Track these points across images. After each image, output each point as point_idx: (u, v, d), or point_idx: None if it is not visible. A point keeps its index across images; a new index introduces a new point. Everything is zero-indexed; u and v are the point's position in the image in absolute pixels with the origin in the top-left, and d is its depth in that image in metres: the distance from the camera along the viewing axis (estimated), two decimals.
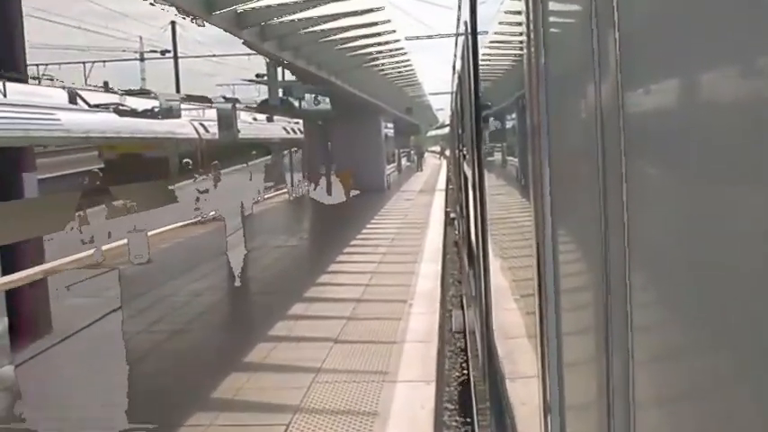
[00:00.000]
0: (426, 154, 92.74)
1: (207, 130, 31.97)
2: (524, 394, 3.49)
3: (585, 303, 1.99)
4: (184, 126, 28.86)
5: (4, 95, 17.45)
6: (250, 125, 38.64)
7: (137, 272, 14.28)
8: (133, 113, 22.80)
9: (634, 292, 1.47)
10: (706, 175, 1.15)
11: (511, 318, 4.58)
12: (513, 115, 4.07)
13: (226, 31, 14.59)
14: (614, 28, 1.52)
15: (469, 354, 12.04)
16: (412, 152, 74.19)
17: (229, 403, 7.93)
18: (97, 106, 23.56)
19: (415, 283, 13.70)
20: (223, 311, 12.51)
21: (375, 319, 11.17)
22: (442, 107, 59.56)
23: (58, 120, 20.46)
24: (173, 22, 36.05)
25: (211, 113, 28.63)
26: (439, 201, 30.70)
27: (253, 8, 14.36)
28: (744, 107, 0.99)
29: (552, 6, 2.52)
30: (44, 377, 9.05)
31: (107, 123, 21.39)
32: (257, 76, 31.62)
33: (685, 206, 1.26)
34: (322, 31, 17.57)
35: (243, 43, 15.79)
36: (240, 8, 14.05)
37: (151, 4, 12.81)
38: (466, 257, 13.95)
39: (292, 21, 15.97)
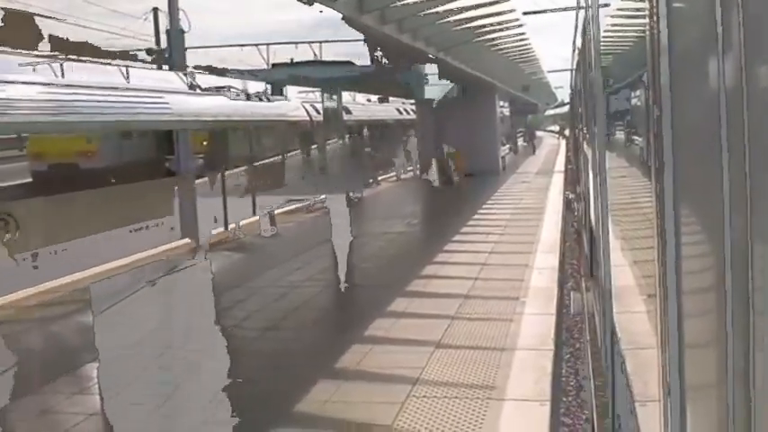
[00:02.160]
0: (544, 134, 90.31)
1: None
2: (645, 376, 3.57)
3: (707, 286, 1.95)
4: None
5: None
6: (363, 107, 38.36)
7: None
8: None
9: (757, 276, 1.42)
10: None
11: (632, 300, 4.66)
12: (636, 93, 4.13)
13: None
14: (739, 3, 1.46)
15: (587, 338, 11.01)
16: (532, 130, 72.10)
17: (312, 421, 7.07)
18: None
19: (528, 277, 12.48)
20: (318, 308, 11.72)
21: (483, 319, 10.09)
22: (561, 85, 57.37)
23: None
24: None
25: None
26: (557, 183, 29.07)
27: None
28: None
29: None
30: None
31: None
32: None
33: None
34: (429, 2, 16.58)
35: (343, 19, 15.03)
36: None
37: None
38: (585, 239, 13.20)
39: None
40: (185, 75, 30.08)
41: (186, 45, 27.45)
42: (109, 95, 17.07)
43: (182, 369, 8.60)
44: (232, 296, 11.67)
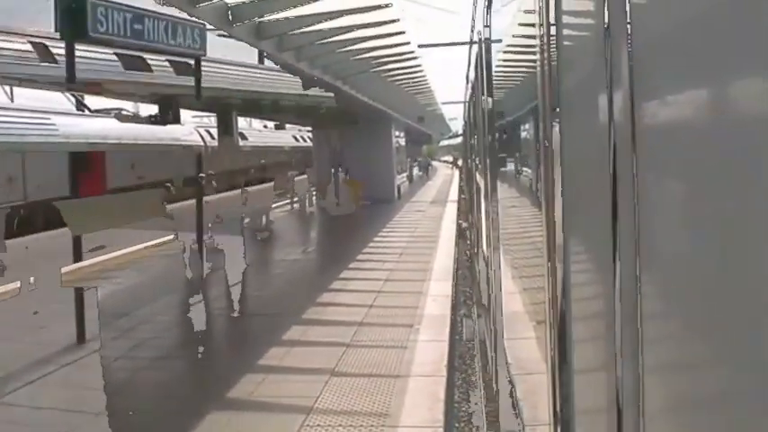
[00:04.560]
0: (438, 164, 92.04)
1: None
2: (535, 402, 3.63)
3: (597, 313, 1.98)
4: None
5: None
6: (259, 133, 37.97)
7: None
8: None
9: (645, 302, 1.48)
10: (720, 187, 1.12)
11: (522, 326, 4.72)
12: (527, 126, 4.17)
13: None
14: (627, 41, 1.54)
15: (479, 364, 11.18)
16: (429, 161, 73.43)
17: None
18: None
19: (423, 304, 12.62)
20: (211, 337, 11.44)
21: (378, 347, 10.10)
22: (455, 117, 58.74)
23: None
24: None
25: None
26: (450, 212, 29.65)
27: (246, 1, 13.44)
28: (755, 119, 0.98)
29: (566, 18, 2.48)
30: None
31: None
32: None
33: (693, 213, 1.28)
34: (328, 31, 16.66)
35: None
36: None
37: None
38: (477, 267, 13.45)
39: (293, 18, 15.05)
40: (73, 95, 28.94)
41: None
42: None
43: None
44: (118, 325, 11.24)
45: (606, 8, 1.71)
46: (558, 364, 2.57)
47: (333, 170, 32.51)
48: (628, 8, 1.54)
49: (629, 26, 1.55)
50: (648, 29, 1.50)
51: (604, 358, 1.79)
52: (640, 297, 1.48)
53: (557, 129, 2.55)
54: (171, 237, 16.63)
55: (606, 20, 1.72)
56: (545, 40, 2.68)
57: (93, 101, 28.84)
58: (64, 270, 10.78)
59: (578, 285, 2.43)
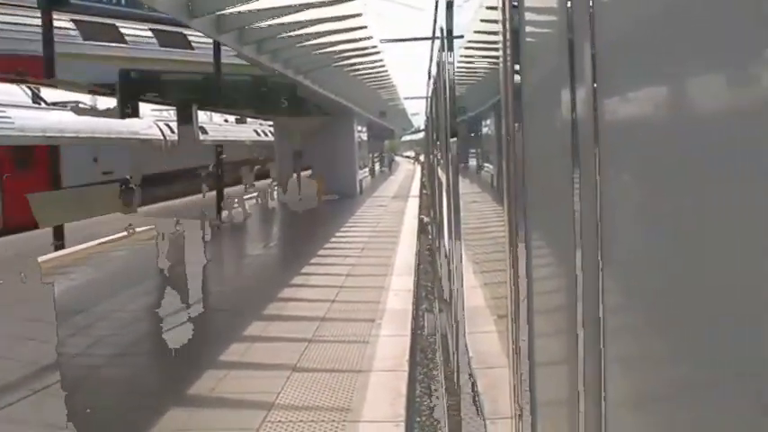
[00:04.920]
0: (400, 159, 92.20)
1: None
2: (495, 396, 3.69)
3: (558, 307, 2.01)
4: None
5: None
6: (220, 127, 37.60)
7: None
8: None
9: (606, 296, 1.49)
10: (681, 183, 1.14)
11: (483, 321, 4.75)
12: (489, 121, 4.21)
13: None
14: (590, 38, 1.54)
15: (440, 359, 11.25)
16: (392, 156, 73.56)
17: None
18: None
19: (385, 299, 12.63)
20: (174, 332, 11.32)
21: (339, 342, 10.09)
22: (417, 112, 58.83)
23: None
24: None
25: None
26: (412, 207, 29.73)
27: None
28: (716, 116, 1.00)
29: (528, 15, 2.49)
30: None
31: None
32: None
33: (654, 209, 1.29)
34: (289, 24, 16.56)
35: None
36: None
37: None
38: (439, 262, 13.54)
39: (254, 11, 14.92)
40: (29, 88, 28.32)
41: None
42: None
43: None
44: (74, 322, 11.07)
45: (569, 4, 1.72)
46: (519, 357, 2.59)
47: (294, 164, 32.40)
48: (591, 4, 1.55)
49: (591, 23, 1.56)
50: (611, 26, 1.51)
51: (565, 352, 1.80)
52: (602, 291, 1.50)
53: (519, 124, 2.57)
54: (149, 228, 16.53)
55: (569, 16, 1.72)
56: (507, 36, 2.69)
57: (49, 93, 28.22)
58: (42, 259, 10.58)
59: (540, 280, 2.46)
